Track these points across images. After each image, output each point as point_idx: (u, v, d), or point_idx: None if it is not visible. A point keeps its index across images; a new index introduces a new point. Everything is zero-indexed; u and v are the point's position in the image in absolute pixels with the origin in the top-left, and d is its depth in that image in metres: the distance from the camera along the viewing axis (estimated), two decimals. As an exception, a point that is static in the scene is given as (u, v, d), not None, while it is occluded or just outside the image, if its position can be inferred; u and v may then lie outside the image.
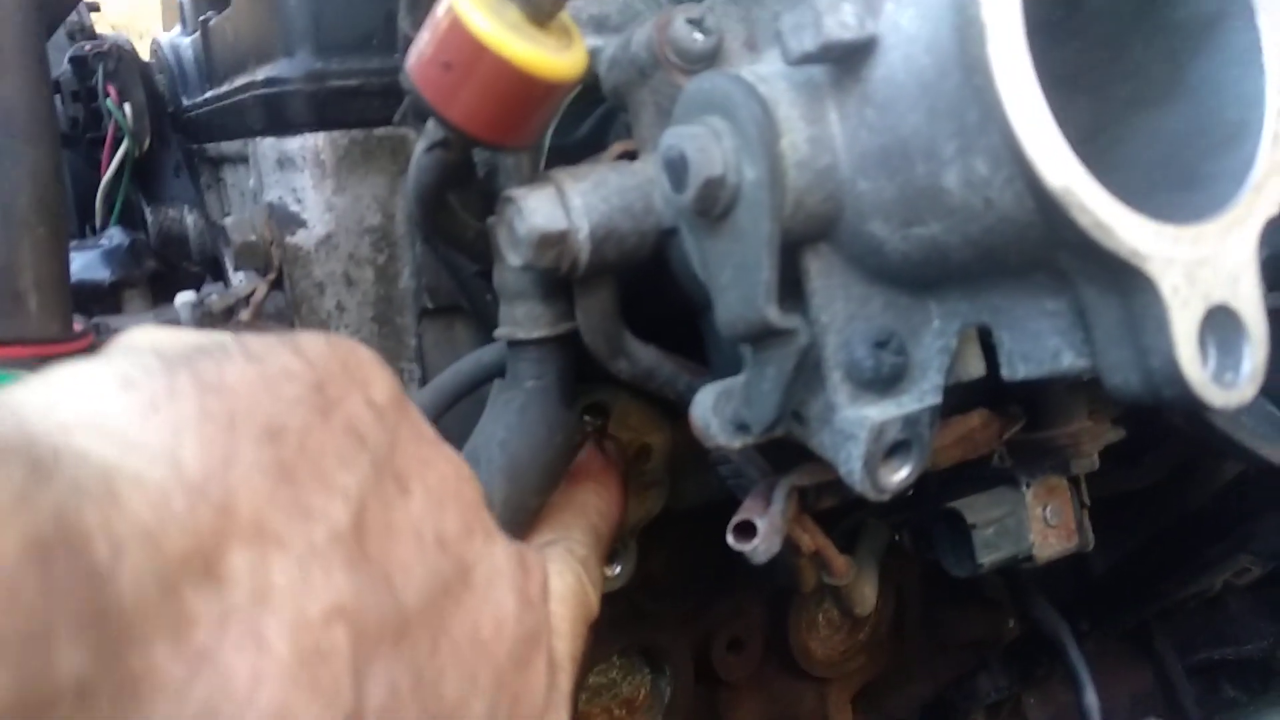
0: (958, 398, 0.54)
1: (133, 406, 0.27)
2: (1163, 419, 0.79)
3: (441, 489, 0.37)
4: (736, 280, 0.44)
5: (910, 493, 0.75)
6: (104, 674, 0.23)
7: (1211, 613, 1.16)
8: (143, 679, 0.24)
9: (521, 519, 0.53)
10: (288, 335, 0.34)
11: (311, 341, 0.34)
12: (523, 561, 0.42)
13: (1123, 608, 0.98)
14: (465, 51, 0.45)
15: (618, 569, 0.70)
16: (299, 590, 0.28)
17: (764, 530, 0.52)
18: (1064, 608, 0.93)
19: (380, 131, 0.70)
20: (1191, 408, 0.39)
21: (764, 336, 0.45)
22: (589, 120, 0.64)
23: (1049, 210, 0.37)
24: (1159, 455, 0.88)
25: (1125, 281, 0.38)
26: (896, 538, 0.81)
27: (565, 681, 0.46)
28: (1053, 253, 0.40)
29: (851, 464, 0.46)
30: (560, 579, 0.50)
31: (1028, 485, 0.67)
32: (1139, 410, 0.71)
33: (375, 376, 0.35)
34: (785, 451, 0.58)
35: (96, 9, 1.06)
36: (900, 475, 0.47)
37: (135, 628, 0.24)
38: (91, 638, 0.23)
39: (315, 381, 0.32)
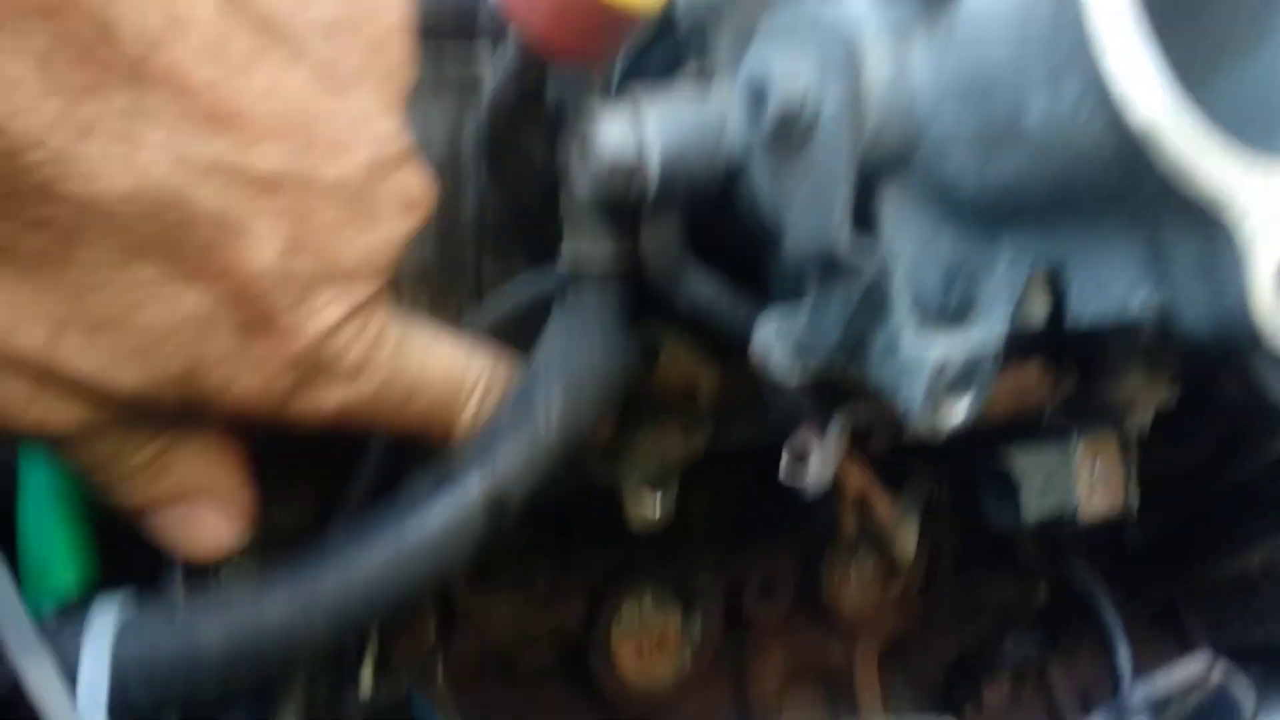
0: (1014, 348, 0.54)
1: None
2: (1216, 388, 0.79)
3: None
4: (809, 210, 0.45)
5: (955, 448, 0.75)
6: None
7: (1245, 597, 1.15)
8: None
9: (576, 437, 0.53)
10: None
11: None
12: None
13: (1158, 582, 0.98)
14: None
15: (659, 504, 0.71)
16: None
17: (816, 460, 0.52)
18: (1098, 576, 0.93)
19: (449, 64, 0.70)
20: (1265, 353, 0.39)
21: (833, 267, 0.45)
22: (660, 51, 0.64)
23: (1135, 145, 0.37)
24: (1208, 428, 0.87)
25: (1206, 222, 0.38)
26: (935, 497, 0.82)
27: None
28: (1133, 190, 0.40)
29: (912, 397, 0.46)
30: None
31: (1077, 442, 0.67)
32: (1194, 375, 0.70)
33: None
34: (836, 393, 0.59)
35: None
36: (959, 412, 0.48)
37: None
38: None
39: None
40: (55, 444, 0.44)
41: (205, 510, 0.48)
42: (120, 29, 0.36)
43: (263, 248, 0.40)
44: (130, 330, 0.40)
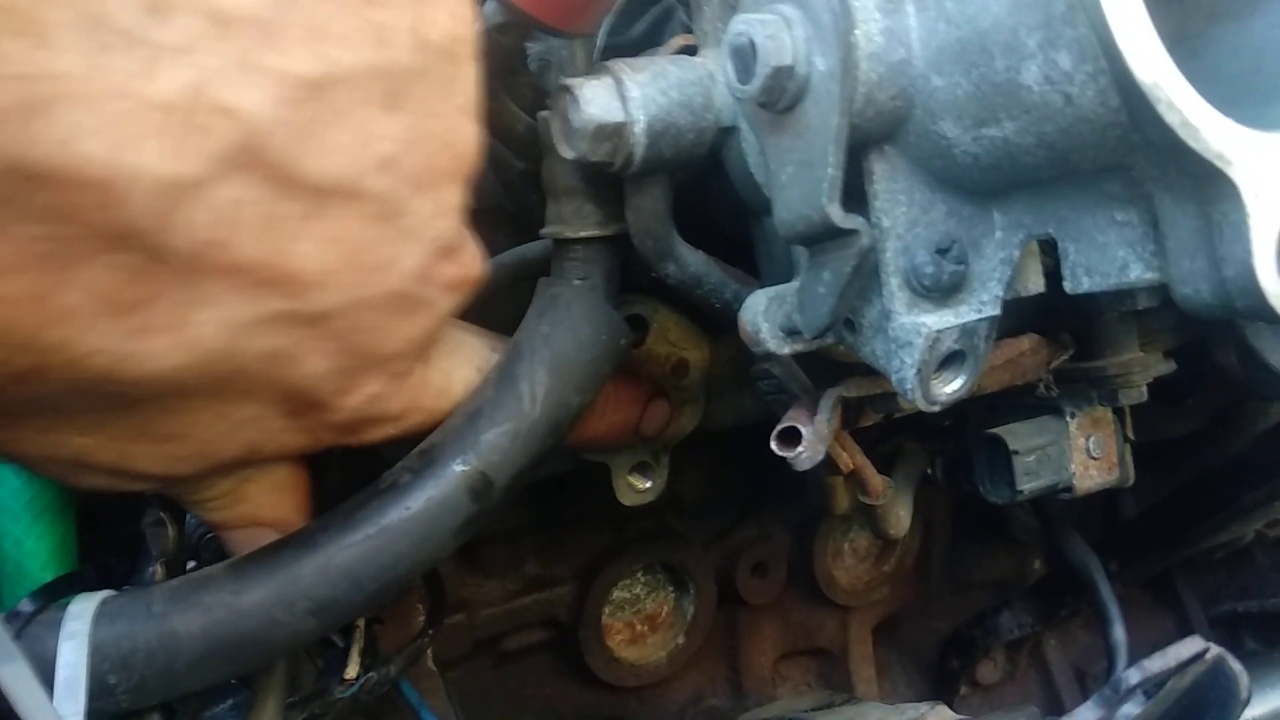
0: (1009, 320, 0.53)
1: None
2: (1211, 360, 0.78)
3: None
4: (799, 177, 0.43)
5: (948, 423, 0.74)
6: None
7: (1238, 565, 1.15)
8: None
9: (562, 416, 0.52)
10: None
11: None
12: None
13: (1151, 552, 0.97)
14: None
15: (649, 483, 0.70)
16: None
17: (809, 438, 0.51)
18: (1092, 549, 0.93)
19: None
20: (1264, 319, 0.37)
21: (824, 237, 0.44)
22: (644, 20, 0.62)
23: (1135, 107, 0.35)
24: (1202, 399, 0.86)
25: (1205, 187, 0.37)
26: (929, 471, 0.81)
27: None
28: (1129, 157, 0.39)
29: (904, 373, 0.45)
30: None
31: (1072, 416, 0.66)
32: (1189, 347, 0.70)
33: None
34: (826, 370, 0.58)
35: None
36: (952, 387, 0.47)
37: None
38: None
39: None
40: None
41: (271, 535, 0.51)
42: (172, 248, 0.36)
43: (311, 365, 0.42)
44: (189, 441, 0.43)
